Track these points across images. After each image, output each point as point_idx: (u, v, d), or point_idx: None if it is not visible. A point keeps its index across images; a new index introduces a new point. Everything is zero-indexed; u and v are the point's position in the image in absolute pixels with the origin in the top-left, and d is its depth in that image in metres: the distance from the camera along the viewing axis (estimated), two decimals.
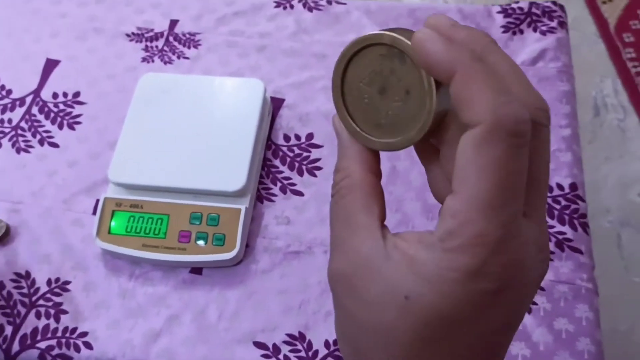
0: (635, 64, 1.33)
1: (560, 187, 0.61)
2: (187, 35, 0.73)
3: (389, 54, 0.24)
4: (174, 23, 0.74)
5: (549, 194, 0.61)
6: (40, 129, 0.67)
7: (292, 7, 0.74)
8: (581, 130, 1.22)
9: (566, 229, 0.59)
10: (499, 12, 0.73)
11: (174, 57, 0.71)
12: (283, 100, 0.67)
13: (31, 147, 0.66)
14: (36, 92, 0.70)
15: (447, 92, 0.23)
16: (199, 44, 0.72)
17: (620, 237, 1.10)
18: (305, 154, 0.64)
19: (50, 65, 0.72)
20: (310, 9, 0.74)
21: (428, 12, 0.73)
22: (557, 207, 0.60)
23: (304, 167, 0.63)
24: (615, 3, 1.43)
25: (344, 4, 0.74)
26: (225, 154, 0.59)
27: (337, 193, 0.26)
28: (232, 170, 0.58)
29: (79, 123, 0.67)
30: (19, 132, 0.67)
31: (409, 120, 0.24)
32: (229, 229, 0.57)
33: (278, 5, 0.75)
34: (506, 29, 0.72)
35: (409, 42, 0.23)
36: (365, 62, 0.25)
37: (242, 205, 0.58)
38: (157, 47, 0.72)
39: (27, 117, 0.68)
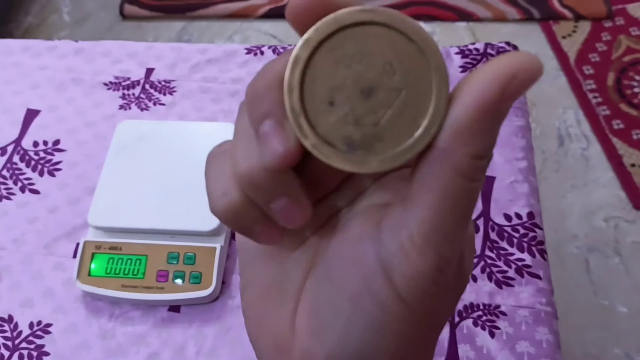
0: (595, 95, 1.39)
1: (518, 216, 0.65)
2: (163, 83, 0.77)
3: (386, 40, 0.19)
4: (149, 71, 0.78)
5: (508, 223, 0.64)
6: (21, 177, 0.70)
7: (262, 53, 0.79)
8: (547, 160, 1.28)
9: (525, 255, 0.62)
10: (456, 53, 0.78)
11: (150, 104, 0.75)
12: None
13: (12, 194, 0.68)
14: (17, 142, 0.73)
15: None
16: (174, 91, 0.76)
17: (588, 262, 1.14)
18: None
19: (31, 115, 0.75)
20: (279, 54, 0.78)
21: None
22: (516, 235, 0.63)
23: None
24: (574, 38, 1.51)
25: None
26: (200, 196, 0.62)
27: None
28: (207, 210, 0.61)
29: (59, 170, 0.70)
30: (1, 180, 0.70)
31: (401, 132, 0.19)
32: (205, 267, 0.59)
33: (249, 52, 0.79)
34: (464, 68, 0.77)
35: (421, 28, 0.18)
36: (347, 50, 0.19)
37: (218, 244, 0.60)
38: (133, 94, 0.76)
39: (8, 165, 0.71)
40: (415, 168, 0.20)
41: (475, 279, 0.61)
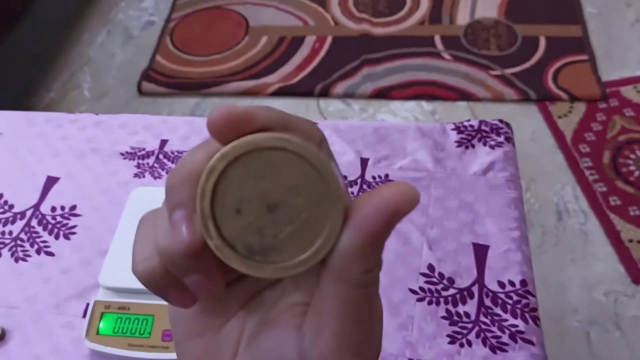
0: (592, 172, 1.43)
1: (511, 283, 0.67)
2: (176, 153, 0.82)
3: (294, 165, 0.21)
4: (164, 142, 0.83)
5: (502, 290, 0.67)
6: (38, 239, 0.73)
7: None
8: (546, 234, 1.31)
9: (518, 322, 0.64)
10: (452, 129, 0.83)
11: (163, 173, 0.79)
12: None
13: (29, 256, 0.72)
14: (36, 207, 0.77)
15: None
16: None
17: (589, 335, 1.14)
18: None
19: (50, 182, 0.79)
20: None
21: (389, 131, 0.83)
22: (510, 301, 0.66)
23: None
24: (570, 118, 1.57)
25: (315, 123, 0.84)
26: None
27: None
28: None
29: (74, 233, 0.74)
30: (18, 242, 0.73)
31: (297, 247, 0.22)
32: None
33: None
34: (459, 143, 0.81)
35: (328, 162, 0.21)
36: (257, 167, 0.21)
37: None
38: (148, 163, 0.81)
39: (26, 229, 0.75)
40: (319, 282, 0.23)
41: (470, 344, 0.63)
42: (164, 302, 0.64)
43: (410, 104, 1.66)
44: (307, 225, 0.21)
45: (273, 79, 1.73)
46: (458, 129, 0.83)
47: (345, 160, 0.80)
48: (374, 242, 0.21)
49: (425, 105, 1.65)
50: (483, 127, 0.83)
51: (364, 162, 0.80)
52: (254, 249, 0.22)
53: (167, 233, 0.22)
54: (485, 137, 0.82)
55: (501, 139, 0.82)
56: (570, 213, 1.35)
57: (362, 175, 0.78)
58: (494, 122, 0.84)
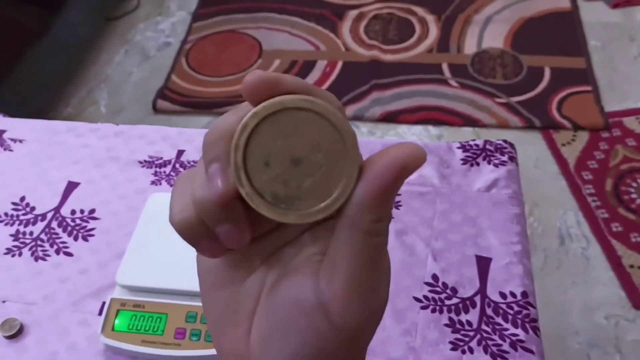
0: (594, 199, 1.46)
1: (513, 294, 0.69)
2: (192, 163, 0.85)
3: (317, 125, 0.24)
4: (180, 153, 0.87)
5: (503, 300, 0.69)
6: (57, 240, 0.76)
7: None
8: (548, 257, 1.33)
9: (519, 331, 0.66)
10: (458, 148, 0.86)
11: None
12: None
13: (48, 255, 0.75)
14: (56, 209, 0.80)
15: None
16: None
17: (590, 357, 1.16)
18: None
19: (71, 187, 0.83)
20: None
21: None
22: (511, 312, 0.68)
23: None
24: (573, 146, 1.60)
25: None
26: None
27: None
28: None
29: (92, 235, 0.77)
30: (39, 242, 0.76)
31: (317, 197, 0.25)
32: None
33: None
34: (465, 161, 0.84)
35: (347, 122, 0.24)
36: (284, 126, 0.24)
37: None
38: (165, 172, 0.84)
39: (46, 230, 0.78)
40: (334, 231, 0.26)
41: (472, 351, 0.65)
42: (177, 302, 0.66)
43: (417, 128, 1.70)
44: (326, 178, 0.24)
45: None
46: (463, 147, 0.86)
47: None
48: (384, 194, 0.24)
49: (432, 129, 1.69)
50: (488, 147, 0.86)
51: None
52: (280, 197, 0.25)
53: (203, 185, 0.25)
54: (489, 156, 0.85)
55: (505, 158, 0.85)
56: (572, 238, 1.37)
57: None
58: (498, 142, 0.87)
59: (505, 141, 0.88)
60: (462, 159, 0.85)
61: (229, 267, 0.29)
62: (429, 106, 1.74)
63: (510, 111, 1.71)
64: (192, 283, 0.67)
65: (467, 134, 1.67)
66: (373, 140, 0.88)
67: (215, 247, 0.27)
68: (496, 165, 0.84)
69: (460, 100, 1.76)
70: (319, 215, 0.25)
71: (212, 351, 0.63)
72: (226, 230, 0.25)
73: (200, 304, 0.65)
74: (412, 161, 0.24)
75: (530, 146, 1.60)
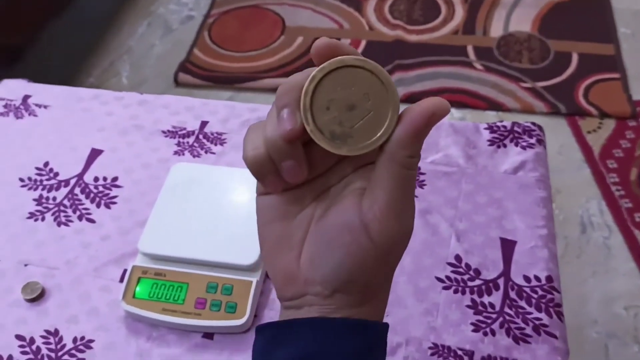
0: (618, 188, 1.43)
1: (537, 278, 0.68)
2: (215, 134, 0.84)
3: (368, 79, 0.30)
4: (204, 124, 0.86)
5: (527, 284, 0.68)
6: (80, 207, 0.76)
7: None
8: (569, 245, 1.31)
9: (542, 315, 0.65)
10: (485, 129, 0.85)
11: (202, 152, 0.82)
12: None
13: (70, 221, 0.75)
14: (80, 176, 0.80)
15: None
16: (225, 142, 0.83)
17: (608, 347, 1.14)
18: None
19: (95, 154, 0.83)
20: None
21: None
22: (535, 296, 0.67)
23: None
24: (599, 133, 1.57)
25: None
26: (241, 233, 0.68)
27: None
28: (246, 247, 0.66)
29: (114, 203, 0.77)
30: (62, 208, 0.76)
31: (365, 135, 0.31)
32: (240, 299, 0.64)
33: None
34: (492, 142, 0.83)
35: (388, 75, 0.30)
36: (343, 79, 0.30)
37: (254, 279, 0.65)
38: (188, 142, 0.83)
39: (70, 196, 0.78)
40: (376, 165, 0.32)
41: (494, 333, 0.64)
42: (198, 272, 0.66)
43: None
44: (373, 121, 0.31)
45: None
46: (491, 128, 0.85)
47: None
48: (417, 134, 0.31)
49: (455, 112, 1.67)
50: (515, 129, 0.85)
51: None
52: (336, 134, 0.31)
53: (274, 126, 0.31)
54: (517, 138, 0.84)
55: (533, 140, 0.84)
56: (594, 226, 1.35)
57: None
58: (526, 124, 0.86)
59: (533, 124, 0.86)
60: (489, 140, 0.83)
61: (285, 204, 0.35)
62: (452, 88, 1.72)
63: (536, 96, 1.68)
64: (213, 254, 0.66)
65: (490, 117, 1.65)
66: None
67: (278, 181, 0.33)
68: (524, 148, 0.82)
69: (484, 83, 1.73)
70: (365, 149, 0.31)
71: (233, 322, 0.63)
72: (289, 165, 0.31)
73: (221, 275, 0.65)
74: (439, 110, 0.30)
75: (555, 133, 1.57)
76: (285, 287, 0.36)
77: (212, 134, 0.85)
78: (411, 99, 1.70)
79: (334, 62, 0.30)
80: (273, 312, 0.66)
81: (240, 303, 0.64)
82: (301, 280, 0.35)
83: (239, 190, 0.73)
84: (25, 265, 0.71)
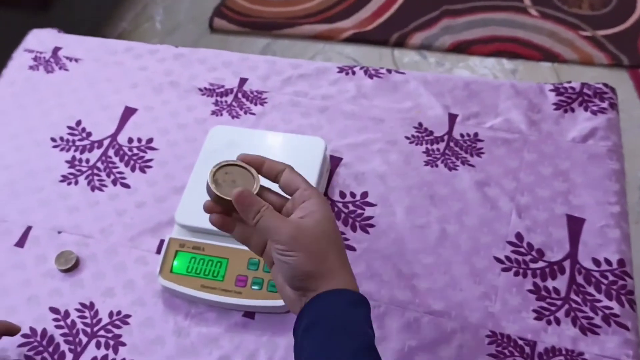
0: None
1: (608, 262, 0.62)
2: (255, 93, 0.78)
3: (239, 168, 0.50)
4: (243, 81, 0.80)
5: (596, 268, 0.62)
6: (114, 170, 0.72)
7: (353, 73, 0.79)
8: (628, 210, 1.22)
9: (613, 304, 0.59)
10: (551, 90, 0.76)
11: (241, 112, 0.76)
12: (341, 159, 0.71)
13: (105, 186, 0.71)
14: (113, 136, 0.76)
15: None
16: (265, 102, 0.77)
17: None
18: (359, 211, 0.67)
19: (128, 112, 0.78)
20: (370, 76, 0.79)
21: (482, 86, 0.77)
22: (605, 281, 0.61)
23: (357, 224, 0.66)
24: None
25: (403, 73, 0.79)
26: None
27: None
28: None
29: (149, 167, 0.72)
30: (95, 171, 0.72)
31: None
32: None
33: (341, 70, 0.80)
34: (558, 106, 0.75)
35: (254, 172, 0.50)
36: (229, 168, 0.50)
37: None
38: (226, 102, 0.78)
39: (103, 158, 0.74)
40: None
41: (558, 322, 0.59)
42: (239, 247, 0.62)
43: (490, 61, 1.57)
44: (244, 185, 0.49)
45: (347, 24, 1.67)
46: (557, 90, 0.77)
47: (432, 114, 0.75)
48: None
49: (506, 63, 1.56)
50: (585, 90, 0.76)
51: (452, 118, 0.75)
52: (225, 192, 0.48)
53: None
54: (587, 102, 0.76)
55: (605, 104, 0.76)
56: None
57: (450, 132, 0.73)
58: (597, 85, 0.77)
59: (605, 85, 0.78)
60: (554, 104, 0.75)
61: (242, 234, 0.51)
62: (504, 37, 1.61)
63: (596, 46, 1.56)
64: None
65: (544, 69, 1.54)
66: (455, 77, 0.79)
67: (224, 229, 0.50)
68: (594, 113, 0.74)
69: (539, 31, 1.61)
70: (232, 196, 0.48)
71: (276, 302, 0.59)
72: (212, 220, 0.50)
73: None
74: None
75: (616, 87, 1.46)
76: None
77: (251, 92, 0.79)
78: (459, 48, 1.60)
79: (222, 163, 0.50)
80: None
81: None
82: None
83: (283, 156, 0.67)
84: (59, 232, 0.68)
